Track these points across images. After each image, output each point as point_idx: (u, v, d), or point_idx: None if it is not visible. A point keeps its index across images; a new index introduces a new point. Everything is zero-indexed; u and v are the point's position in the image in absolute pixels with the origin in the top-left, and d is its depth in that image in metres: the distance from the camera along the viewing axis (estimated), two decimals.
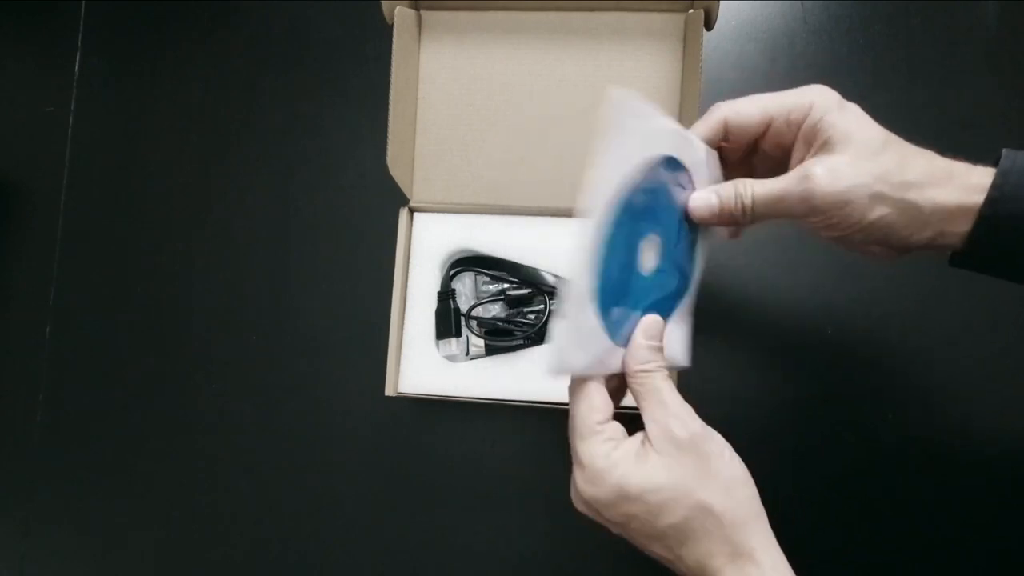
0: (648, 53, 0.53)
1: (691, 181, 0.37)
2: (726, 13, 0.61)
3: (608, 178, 0.32)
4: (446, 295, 0.52)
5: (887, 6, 0.60)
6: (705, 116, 0.38)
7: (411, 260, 0.52)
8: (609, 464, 0.32)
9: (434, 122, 0.55)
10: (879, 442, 0.55)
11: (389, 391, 0.50)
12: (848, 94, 0.59)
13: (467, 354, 0.53)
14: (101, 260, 0.66)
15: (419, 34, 0.55)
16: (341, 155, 0.63)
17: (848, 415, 0.56)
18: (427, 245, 0.53)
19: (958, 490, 0.54)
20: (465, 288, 0.54)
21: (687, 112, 0.50)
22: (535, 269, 0.52)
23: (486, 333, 0.52)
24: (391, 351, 0.50)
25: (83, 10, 0.69)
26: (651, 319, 0.35)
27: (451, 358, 0.52)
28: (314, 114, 0.64)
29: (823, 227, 0.36)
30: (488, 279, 0.53)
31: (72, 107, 0.68)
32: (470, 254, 0.54)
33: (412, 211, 0.53)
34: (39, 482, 0.64)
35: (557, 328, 0.32)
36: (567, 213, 0.52)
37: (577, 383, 0.34)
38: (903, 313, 0.56)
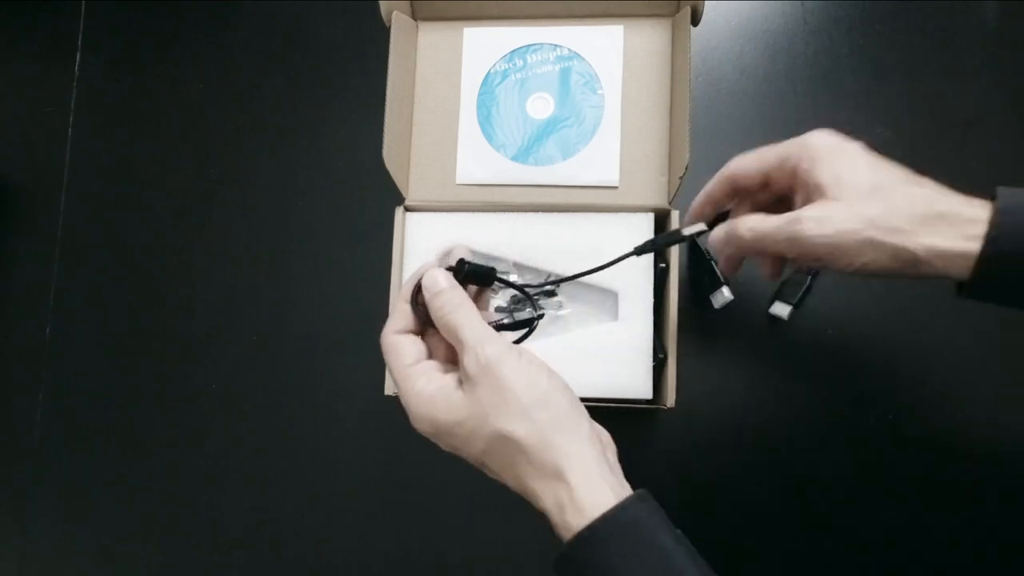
0: (638, 55, 0.53)
1: None
2: (726, 13, 0.61)
3: None
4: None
5: (887, 6, 0.60)
6: (716, 176, 0.42)
7: (407, 259, 0.52)
8: (421, 401, 0.34)
9: (429, 123, 0.55)
10: (879, 442, 0.55)
11: (388, 390, 0.50)
12: (848, 94, 0.60)
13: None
14: (101, 260, 0.66)
15: (416, 38, 0.55)
16: (341, 155, 0.64)
17: (848, 415, 0.56)
18: (423, 244, 0.53)
19: (958, 490, 0.54)
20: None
21: (677, 113, 0.50)
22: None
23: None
24: None
25: (83, 10, 0.69)
26: (426, 272, 0.37)
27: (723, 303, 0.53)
28: (314, 114, 0.65)
29: (816, 266, 0.38)
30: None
31: (72, 107, 0.68)
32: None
33: (407, 210, 0.53)
34: (39, 482, 0.64)
35: None
36: (562, 209, 0.52)
37: (384, 340, 0.37)
38: (902, 313, 0.56)
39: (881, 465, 0.55)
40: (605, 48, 0.54)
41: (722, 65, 0.61)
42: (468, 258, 0.38)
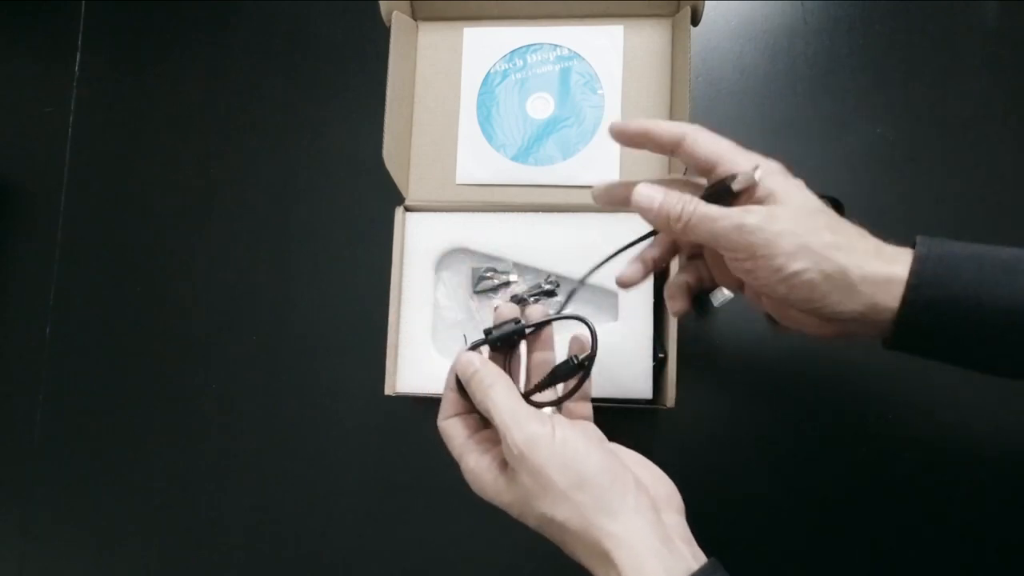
0: (638, 55, 0.53)
1: None
2: (726, 13, 0.61)
3: None
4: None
5: (887, 6, 0.60)
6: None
7: (407, 259, 0.52)
8: (474, 479, 0.37)
9: (429, 123, 0.55)
10: (879, 442, 0.55)
11: (388, 391, 0.50)
12: (848, 94, 0.60)
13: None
14: (101, 260, 0.66)
15: (416, 38, 0.55)
16: (341, 155, 0.64)
17: (847, 415, 0.56)
18: (423, 244, 0.53)
19: (958, 490, 0.54)
20: (449, 287, 0.54)
21: (677, 113, 0.50)
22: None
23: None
24: (389, 351, 0.50)
25: (83, 10, 0.69)
26: (459, 359, 0.37)
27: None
28: (314, 114, 0.65)
29: (747, 269, 0.36)
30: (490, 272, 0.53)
31: (72, 107, 0.68)
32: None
33: (407, 210, 0.53)
34: (39, 482, 0.64)
35: None
36: (562, 209, 0.52)
37: (439, 428, 0.38)
38: None
39: (881, 465, 0.55)
40: (605, 48, 0.54)
41: (722, 65, 0.61)
42: (504, 317, 0.38)
